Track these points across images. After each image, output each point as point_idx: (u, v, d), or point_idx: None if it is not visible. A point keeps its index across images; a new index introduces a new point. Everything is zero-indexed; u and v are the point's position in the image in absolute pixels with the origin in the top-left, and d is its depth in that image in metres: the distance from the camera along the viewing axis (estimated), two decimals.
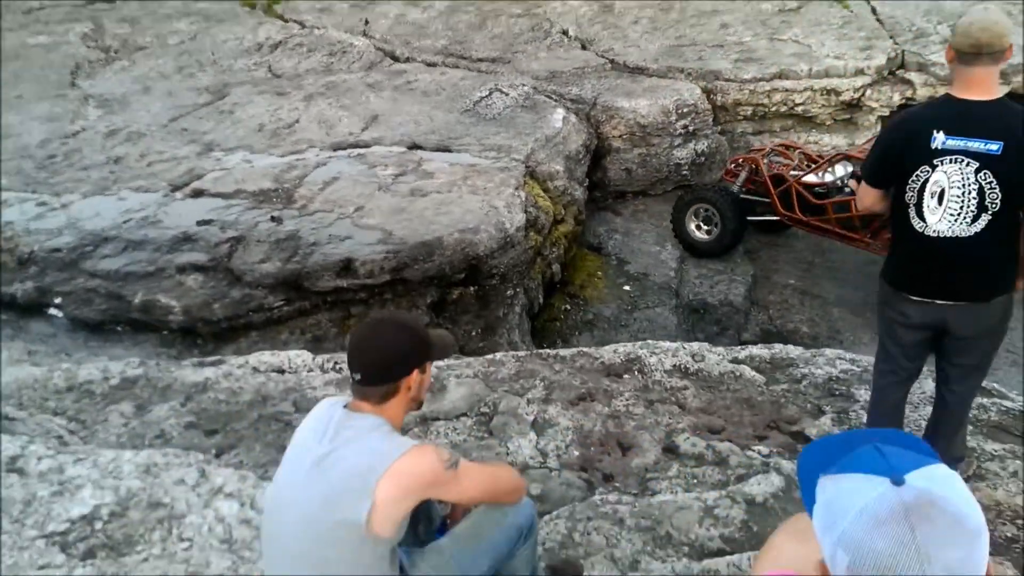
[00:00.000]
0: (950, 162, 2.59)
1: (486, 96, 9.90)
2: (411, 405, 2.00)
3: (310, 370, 3.98)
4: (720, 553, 2.49)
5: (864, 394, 3.51)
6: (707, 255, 8.64)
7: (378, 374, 1.93)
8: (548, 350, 3.97)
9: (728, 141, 10.06)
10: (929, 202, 2.64)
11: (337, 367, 4.00)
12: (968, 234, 2.63)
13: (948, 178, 2.60)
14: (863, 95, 9.80)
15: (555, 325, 7.52)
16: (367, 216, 7.01)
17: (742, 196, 8.57)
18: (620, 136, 9.66)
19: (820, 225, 7.94)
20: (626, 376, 3.72)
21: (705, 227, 8.63)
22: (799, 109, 9.89)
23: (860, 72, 9.77)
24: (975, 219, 2.62)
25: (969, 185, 2.58)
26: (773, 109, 9.93)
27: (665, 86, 10.03)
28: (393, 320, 2.04)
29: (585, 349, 4.00)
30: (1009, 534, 2.51)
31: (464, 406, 3.49)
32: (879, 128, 10.13)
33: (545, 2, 13.66)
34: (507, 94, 9.91)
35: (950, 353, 2.83)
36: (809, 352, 3.95)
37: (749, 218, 8.53)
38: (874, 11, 11.60)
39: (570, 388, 3.61)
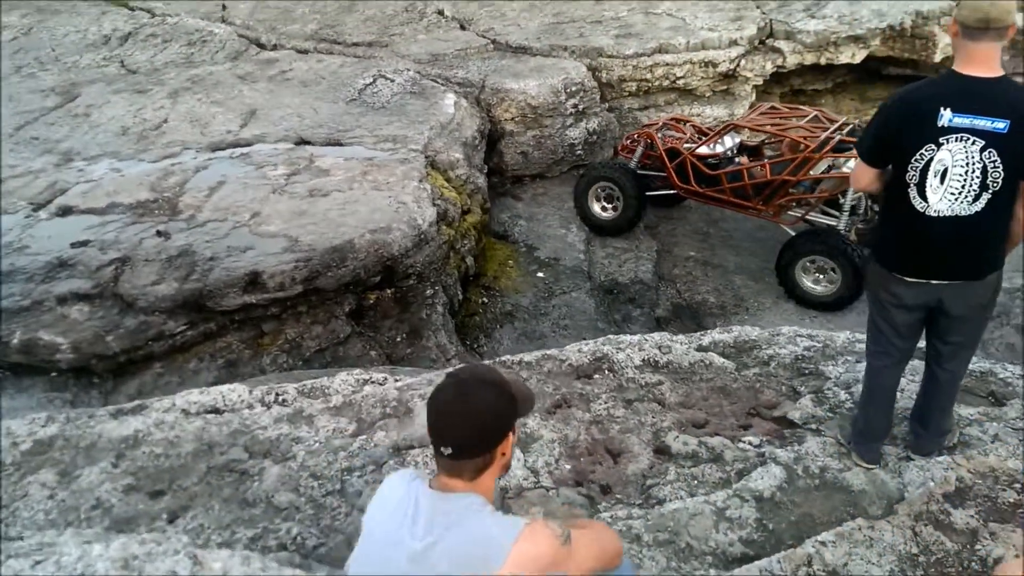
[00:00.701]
0: (956, 140, 2.52)
1: (370, 83, 9.46)
2: (502, 472, 1.77)
3: (251, 406, 3.60)
4: (745, 559, 2.45)
5: (832, 369, 3.61)
6: (611, 233, 8.73)
7: (473, 446, 1.65)
8: (511, 356, 3.79)
9: (616, 118, 10.16)
10: (932, 181, 2.57)
11: (281, 399, 3.65)
12: (968, 213, 2.59)
13: (952, 157, 2.53)
14: (738, 66, 10.15)
15: (475, 320, 7.34)
16: (266, 223, 6.51)
17: (639, 172, 8.75)
18: (513, 119, 9.52)
19: (715, 196, 8.18)
20: (596, 376, 3.61)
21: (608, 205, 8.73)
22: (681, 82, 10.11)
23: (734, 43, 10.09)
24: (976, 198, 2.58)
25: (973, 164, 2.53)
26: (656, 84, 10.10)
27: (551, 65, 9.96)
28: (477, 378, 1.68)
29: (549, 352, 3.86)
30: (1011, 499, 2.63)
31: None
32: (754, 97, 10.57)
33: None
34: (392, 80, 9.52)
35: (943, 332, 2.81)
36: (767, 332, 4.01)
37: (648, 193, 8.68)
38: None
39: (543, 396, 3.46)
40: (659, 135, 8.65)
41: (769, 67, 10.25)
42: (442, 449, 1.64)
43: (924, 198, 2.61)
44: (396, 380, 3.69)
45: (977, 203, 2.59)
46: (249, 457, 3.18)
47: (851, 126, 7.83)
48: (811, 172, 7.54)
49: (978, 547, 2.48)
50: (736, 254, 8.72)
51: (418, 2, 12.36)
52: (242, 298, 5.82)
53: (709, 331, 4.04)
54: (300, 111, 8.86)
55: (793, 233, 7.70)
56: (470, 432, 1.63)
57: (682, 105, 10.23)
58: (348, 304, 6.27)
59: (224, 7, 12.53)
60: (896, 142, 2.59)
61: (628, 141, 9.02)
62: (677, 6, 11.11)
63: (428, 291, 6.67)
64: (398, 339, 6.28)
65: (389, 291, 6.58)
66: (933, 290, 2.71)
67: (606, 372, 3.63)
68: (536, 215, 9.07)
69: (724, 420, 3.32)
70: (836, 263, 7.23)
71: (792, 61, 10.30)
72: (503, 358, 3.80)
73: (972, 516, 2.59)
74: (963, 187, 2.56)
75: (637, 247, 8.63)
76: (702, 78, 10.13)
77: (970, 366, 3.65)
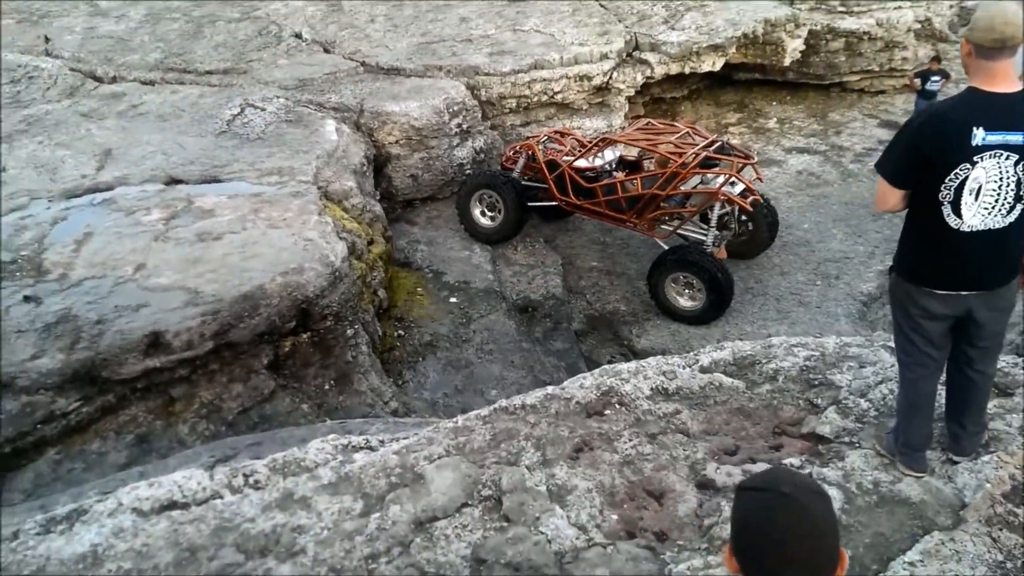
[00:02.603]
0: (990, 157, 2.53)
1: (238, 113, 8.76)
2: None
3: (218, 495, 3.06)
4: None
5: (840, 377, 3.61)
6: (492, 241, 8.69)
7: (819, 570, 1.31)
8: (511, 400, 3.47)
9: (500, 135, 10.07)
10: (967, 199, 2.58)
11: (253, 481, 3.12)
12: (1002, 225, 2.62)
13: (987, 173, 2.55)
14: (611, 78, 10.37)
15: (394, 355, 6.91)
16: (155, 275, 5.78)
17: (523, 183, 8.73)
18: (397, 142, 9.16)
19: (592, 208, 8.30)
20: (608, 412, 3.38)
21: (490, 213, 8.67)
22: (559, 97, 10.18)
23: (604, 57, 10.31)
24: (1011, 210, 2.60)
25: (1008, 178, 2.56)
26: (535, 99, 10.11)
27: (428, 86, 9.70)
28: (804, 489, 1.33)
29: (551, 391, 3.57)
30: None
31: (461, 494, 2.90)
32: (627, 108, 10.85)
33: (263, 3, 12.52)
34: (263, 109, 8.86)
35: (973, 337, 2.82)
36: (759, 345, 3.95)
37: (529, 204, 8.69)
38: None
39: (561, 441, 3.19)
40: (541, 147, 8.70)
41: (639, 78, 10.56)
42: None
43: (959, 215, 2.61)
44: (389, 443, 3.28)
45: (1011, 215, 2.62)
46: (246, 559, 2.67)
47: (719, 143, 8.16)
48: (681, 187, 7.73)
49: None
50: (635, 261, 8.85)
51: (271, 26, 11.66)
52: (143, 363, 5.10)
53: (702, 350, 3.95)
54: (164, 147, 8.02)
55: (666, 247, 7.88)
56: (816, 556, 1.32)
57: (561, 119, 10.31)
58: (265, 355, 5.67)
59: (47, 39, 11.19)
60: (929, 163, 2.56)
61: (511, 152, 9.04)
62: (543, 22, 11.20)
63: (349, 331, 6.19)
64: (326, 387, 5.76)
65: (305, 336, 6.04)
66: (963, 300, 2.73)
67: (617, 406, 3.43)
68: (435, 239, 8.75)
69: (754, 443, 3.22)
70: (701, 279, 7.41)
71: (660, 71, 10.67)
72: (502, 403, 3.49)
73: None
74: (996, 201, 2.59)
75: (543, 263, 8.54)
76: (578, 92, 10.25)
77: None
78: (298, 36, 11.37)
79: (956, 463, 2.97)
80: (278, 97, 9.24)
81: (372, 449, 3.27)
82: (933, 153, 2.55)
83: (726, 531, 2.77)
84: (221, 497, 3.10)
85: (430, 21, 11.61)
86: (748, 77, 12.74)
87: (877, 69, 12.46)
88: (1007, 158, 2.54)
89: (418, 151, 9.23)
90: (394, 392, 5.87)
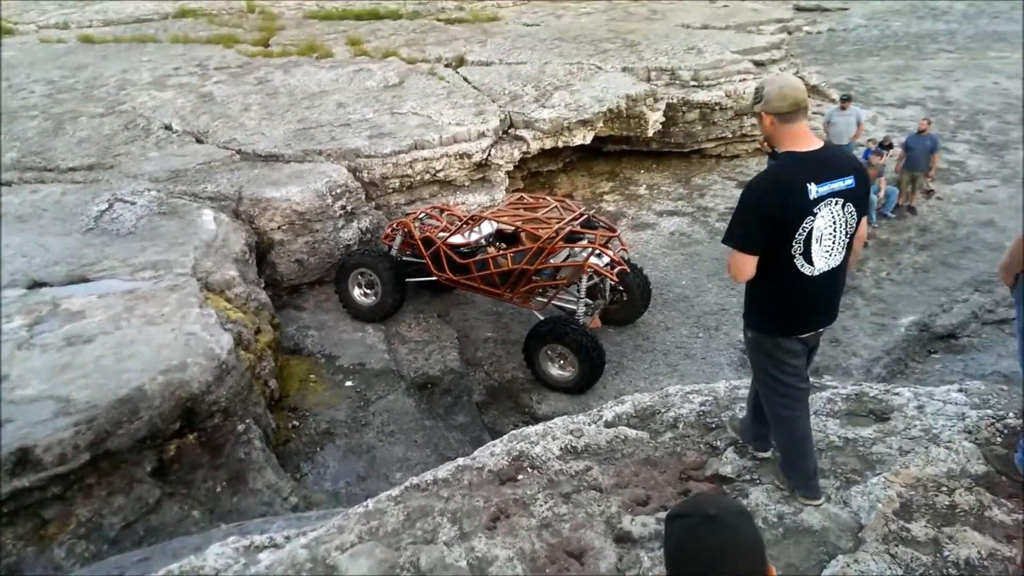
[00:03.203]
0: (825, 206, 2.79)
1: (106, 209, 8.38)
2: None
3: None
4: None
5: (736, 414, 3.76)
6: (374, 319, 8.66)
7: None
8: (423, 477, 3.37)
9: (385, 214, 10.10)
10: (815, 247, 2.82)
11: None
12: (838, 263, 2.91)
13: (824, 221, 2.81)
14: (489, 155, 10.70)
15: (289, 447, 6.60)
16: (20, 386, 5.34)
17: (403, 259, 8.82)
18: (280, 227, 9.00)
19: (468, 283, 8.44)
20: (521, 477, 3.33)
21: (369, 291, 8.67)
22: (440, 175, 10.38)
23: (482, 135, 10.64)
24: (844, 248, 2.90)
25: (839, 221, 2.84)
26: (418, 178, 10.26)
27: (309, 170, 9.66)
28: (728, 510, 1.42)
29: (462, 462, 3.49)
30: (946, 503, 2.86)
31: None
32: (508, 183, 11.18)
33: (128, 98, 12.20)
34: (133, 203, 8.52)
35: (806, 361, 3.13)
36: (656, 395, 4.06)
37: (408, 279, 8.76)
38: (466, 80, 12.81)
39: (477, 512, 3.11)
40: (416, 224, 8.84)
41: (517, 154, 10.95)
42: None
43: (811, 262, 2.85)
44: (296, 537, 3.10)
45: (843, 252, 2.92)
46: None
47: (585, 216, 8.52)
48: (550, 261, 7.97)
49: (946, 553, 2.69)
50: (527, 327, 8.95)
51: (139, 119, 11.35)
52: (11, 484, 4.65)
53: (604, 405, 4.01)
54: (24, 250, 7.53)
55: (541, 317, 8.08)
56: (747, 572, 1.36)
57: (445, 195, 10.49)
58: (149, 462, 5.30)
59: None
60: (778, 224, 2.77)
61: (389, 230, 9.12)
62: (420, 105, 11.47)
63: (239, 427, 5.89)
64: (218, 489, 5.42)
65: (192, 436, 5.69)
66: (816, 335, 3.04)
67: (529, 470, 3.40)
68: (325, 323, 8.56)
69: (663, 491, 3.27)
70: (571, 350, 7.58)
71: (535, 146, 11.11)
72: (413, 481, 3.39)
73: (926, 526, 2.81)
74: (834, 244, 2.87)
75: (438, 337, 8.51)
76: (459, 169, 10.49)
77: (841, 390, 4.06)
78: (168, 128, 11.11)
79: (851, 487, 3.13)
80: (149, 190, 8.92)
81: (278, 546, 3.09)
82: (781, 214, 2.77)
83: None
84: None
85: (306, 108, 11.66)
86: (617, 148, 13.48)
87: (730, 135, 13.50)
88: (836, 203, 2.84)
89: (302, 235, 9.10)
90: (293, 487, 5.60)
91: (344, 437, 6.77)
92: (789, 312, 2.95)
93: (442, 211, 9.44)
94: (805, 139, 2.84)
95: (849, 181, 2.84)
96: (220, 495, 5.35)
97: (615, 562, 2.89)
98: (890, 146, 12.00)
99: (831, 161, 2.84)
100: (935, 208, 12.13)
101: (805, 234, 2.80)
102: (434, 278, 8.55)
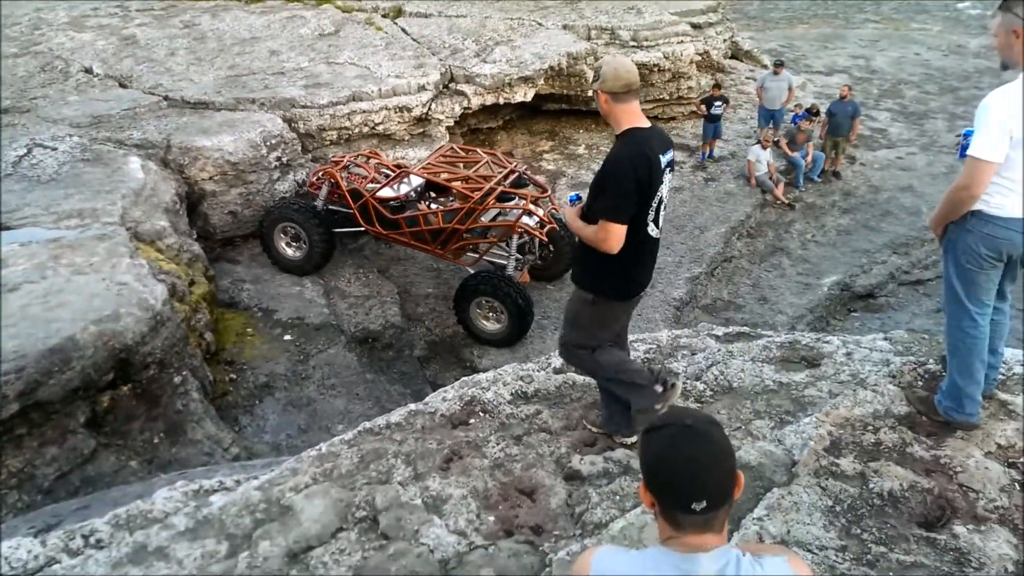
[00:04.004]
0: (665, 174, 3.10)
1: (25, 154, 7.93)
2: None
3: (54, 560, 2.72)
4: None
5: (676, 365, 3.91)
6: (304, 272, 8.47)
7: (729, 492, 1.46)
8: (375, 421, 3.39)
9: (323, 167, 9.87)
10: (660, 212, 3.13)
11: (96, 541, 2.80)
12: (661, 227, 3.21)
13: (665, 188, 3.12)
14: (430, 109, 10.56)
15: (227, 400, 6.50)
16: None
17: (328, 208, 8.58)
18: (212, 178, 8.71)
19: (398, 238, 8.35)
20: (473, 421, 3.39)
21: (295, 244, 8.46)
22: (380, 128, 10.20)
23: (423, 88, 10.49)
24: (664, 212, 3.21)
25: (667, 187, 3.15)
26: (356, 131, 10.06)
27: (242, 119, 9.33)
28: (702, 420, 1.49)
29: (414, 407, 3.52)
30: (872, 440, 3.05)
31: (335, 519, 2.78)
32: (448, 138, 11.07)
33: (44, 38, 11.49)
34: (55, 148, 8.09)
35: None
36: None
37: (336, 230, 8.57)
38: (405, 31, 12.54)
39: (431, 454, 3.16)
40: (344, 174, 8.57)
41: (457, 109, 10.84)
42: (693, 506, 1.41)
43: (657, 225, 3.15)
44: (248, 480, 3.09)
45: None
46: None
47: (517, 174, 8.53)
48: (481, 220, 7.97)
49: (871, 485, 2.89)
50: None
51: (56, 60, 10.71)
52: None
53: (552, 353, 4.10)
54: None
55: (472, 271, 8.12)
56: (723, 477, 1.44)
57: (385, 149, 10.31)
58: (82, 413, 5.14)
59: None
60: (645, 193, 3.01)
61: (315, 178, 8.79)
62: (357, 56, 11.19)
63: (176, 378, 5.77)
64: (155, 440, 5.31)
65: (127, 388, 5.55)
66: (638, 299, 3.33)
67: (481, 414, 3.47)
68: (261, 276, 8.39)
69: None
70: (502, 303, 7.74)
71: (476, 102, 11.02)
72: (366, 425, 3.41)
73: (853, 461, 3.01)
74: (663, 207, 3.17)
75: (378, 293, 8.46)
76: (399, 123, 10.34)
77: (776, 338, 4.25)
78: (88, 71, 10.53)
79: (785, 427, 3.32)
80: (70, 136, 8.48)
81: (229, 490, 3.08)
82: (648, 183, 3.02)
83: (597, 516, 2.91)
84: (59, 562, 2.78)
85: (237, 54, 11.22)
86: (557, 107, 13.48)
87: (667, 98, 13.67)
88: (668, 172, 3.15)
89: (236, 186, 8.83)
90: (234, 438, 5.54)
91: (284, 390, 6.71)
92: (634, 275, 3.20)
93: (369, 158, 9.16)
94: (638, 116, 3.06)
95: (671, 153, 3.14)
96: (158, 446, 5.25)
97: (565, 498, 3.00)
98: (817, 112, 12.41)
99: (661, 136, 3.15)
100: (859, 173, 12.65)
101: (658, 200, 3.08)
102: (363, 228, 8.40)
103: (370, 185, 8.41)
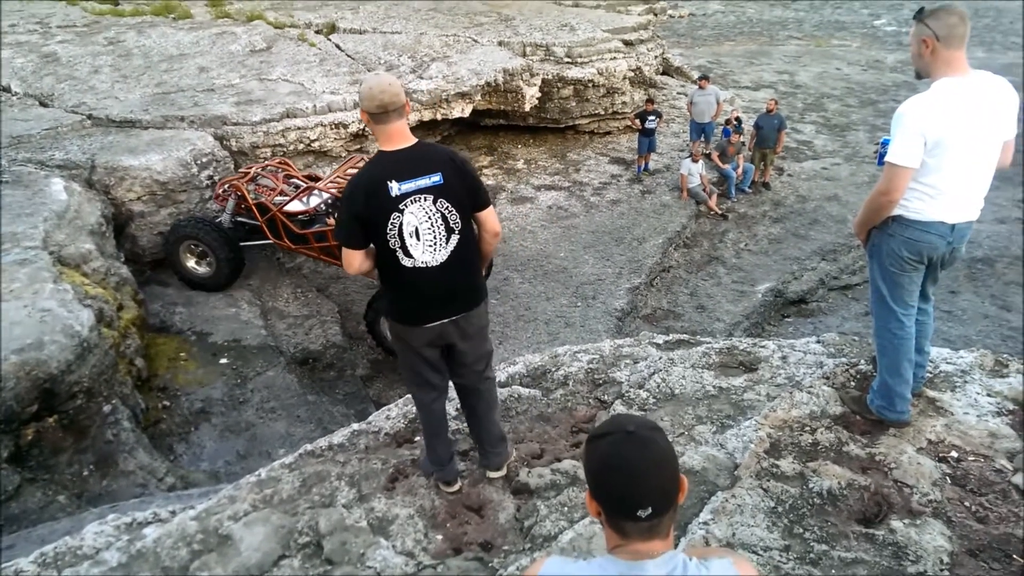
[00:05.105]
0: (412, 203, 2.85)
1: None
2: None
3: None
4: None
5: (620, 374, 3.93)
6: (214, 288, 8.28)
7: (673, 498, 1.46)
8: (316, 443, 3.30)
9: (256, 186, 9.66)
10: (410, 241, 2.88)
11: None
12: (445, 257, 2.95)
13: (416, 217, 2.87)
14: (365, 126, 10.46)
15: (160, 428, 6.27)
16: None
17: (236, 221, 8.39)
18: (140, 198, 8.43)
19: (307, 252, 8.15)
20: (418, 439, 3.33)
21: (203, 261, 8.26)
22: (315, 145, 10.06)
23: (357, 104, 10.37)
24: (447, 240, 2.95)
25: (434, 216, 2.90)
26: (291, 148, 9.89)
27: (171, 137, 9.08)
28: (645, 426, 1.48)
29: (357, 427, 3.44)
30: (809, 441, 3.11)
31: (276, 547, 2.68)
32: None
33: None
34: None
35: (459, 360, 3.11)
36: (547, 355, 4.16)
37: (244, 243, 8.36)
38: (339, 47, 12.43)
39: (375, 474, 3.09)
40: (250, 186, 8.32)
41: None
42: (639, 513, 1.40)
43: (409, 255, 2.91)
44: (183, 511, 2.97)
45: (449, 246, 2.96)
46: None
47: None
48: None
49: (811, 484, 2.95)
50: None
51: None
52: None
53: (497, 367, 4.07)
54: None
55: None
56: (667, 483, 1.44)
57: (320, 166, 10.18)
58: (5, 447, 4.88)
59: None
60: (367, 220, 2.85)
61: (220, 190, 8.49)
62: (290, 72, 11.04)
63: (105, 408, 5.53)
64: (85, 473, 5.08)
65: (52, 419, 5.30)
66: (441, 328, 3.01)
67: None
68: (194, 298, 8.14)
69: (556, 444, 3.38)
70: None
71: (413, 118, 10.96)
72: (307, 447, 3.32)
73: (793, 462, 3.08)
74: (434, 238, 2.93)
75: (318, 312, 8.31)
76: (335, 139, 10.21)
77: (715, 344, 4.32)
78: (6, 90, 10.10)
79: (727, 431, 3.38)
80: None
81: (163, 521, 2.95)
82: (367, 211, 2.85)
83: (546, 528, 2.89)
84: None
85: (164, 71, 10.93)
86: (495, 123, 13.56)
87: (603, 112, 13.90)
88: (425, 200, 2.90)
89: (165, 207, 8.57)
90: (168, 467, 5.33)
91: (221, 416, 6.50)
92: (403, 302, 3.01)
93: (278, 169, 8.85)
94: (397, 138, 2.87)
95: (436, 178, 2.89)
96: (88, 478, 5.02)
97: (513, 512, 2.97)
98: (739, 121, 12.82)
99: (419, 159, 2.90)
100: (787, 184, 13.07)
101: (395, 229, 2.88)
102: (271, 241, 8.18)
103: (278, 199, 8.12)
